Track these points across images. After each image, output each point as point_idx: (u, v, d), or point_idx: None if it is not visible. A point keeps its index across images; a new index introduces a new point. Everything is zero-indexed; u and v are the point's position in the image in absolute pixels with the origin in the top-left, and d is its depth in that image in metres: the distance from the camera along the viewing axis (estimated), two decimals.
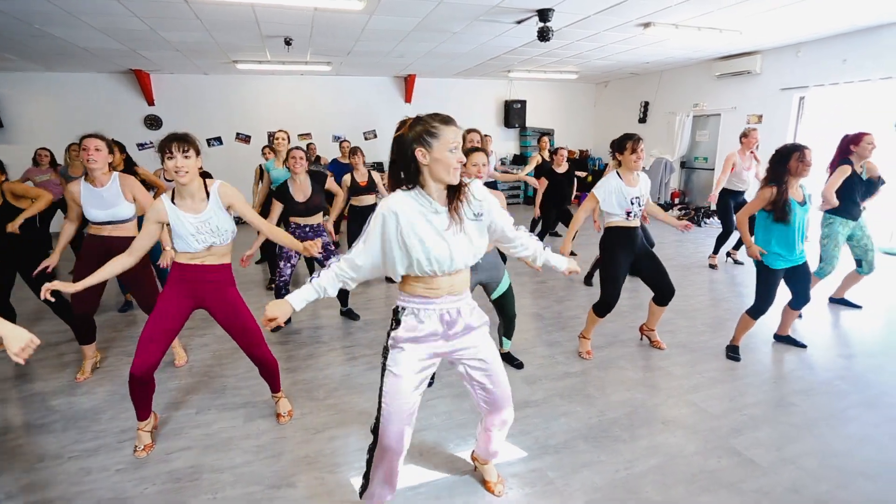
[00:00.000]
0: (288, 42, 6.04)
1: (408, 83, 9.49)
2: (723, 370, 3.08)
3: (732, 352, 3.28)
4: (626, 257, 3.08)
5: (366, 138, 9.61)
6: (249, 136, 8.96)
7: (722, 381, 2.95)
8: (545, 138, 6.60)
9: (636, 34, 6.01)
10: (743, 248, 5.41)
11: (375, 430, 1.68)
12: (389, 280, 5.30)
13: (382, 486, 1.77)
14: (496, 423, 1.86)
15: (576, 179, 6.00)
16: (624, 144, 2.96)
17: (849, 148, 3.73)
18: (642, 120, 9.82)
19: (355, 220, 4.54)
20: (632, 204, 2.98)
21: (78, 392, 2.93)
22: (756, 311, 3.13)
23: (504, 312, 3.00)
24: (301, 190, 3.54)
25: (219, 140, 8.83)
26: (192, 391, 2.91)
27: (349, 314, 4.13)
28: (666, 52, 7.26)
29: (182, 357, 3.32)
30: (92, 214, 2.85)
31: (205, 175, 4.48)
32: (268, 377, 2.56)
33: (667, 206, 9.08)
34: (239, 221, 3.12)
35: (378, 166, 9.28)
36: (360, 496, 1.83)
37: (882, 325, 3.82)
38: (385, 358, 1.65)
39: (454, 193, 1.54)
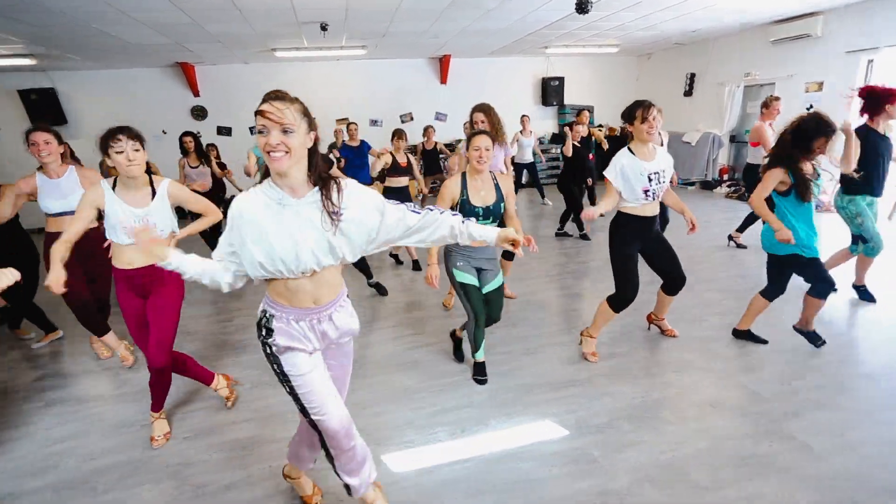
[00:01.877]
0: (324, 27, 6.09)
1: (443, 64, 9.39)
2: (776, 352, 2.96)
3: (749, 337, 3.08)
4: (635, 248, 2.77)
5: (402, 121, 9.63)
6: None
7: (774, 363, 2.84)
8: (584, 113, 6.41)
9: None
10: (748, 231, 5.10)
11: (315, 428, 1.58)
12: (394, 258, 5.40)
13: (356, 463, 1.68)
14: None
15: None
16: (633, 113, 2.59)
17: (881, 106, 3.26)
18: (688, 93, 9.34)
19: (393, 200, 4.69)
20: (650, 181, 2.60)
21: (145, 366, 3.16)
22: (774, 293, 2.95)
23: (491, 310, 2.75)
24: None
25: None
26: (248, 367, 3.08)
27: (377, 287, 4.30)
28: (716, 17, 6.82)
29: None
30: (48, 206, 2.87)
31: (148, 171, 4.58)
32: (157, 390, 2.39)
33: (715, 184, 8.67)
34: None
35: (414, 149, 9.31)
36: (350, 494, 1.72)
37: None
38: (278, 367, 1.52)
39: (324, 186, 1.40)
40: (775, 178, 2.68)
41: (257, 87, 8.85)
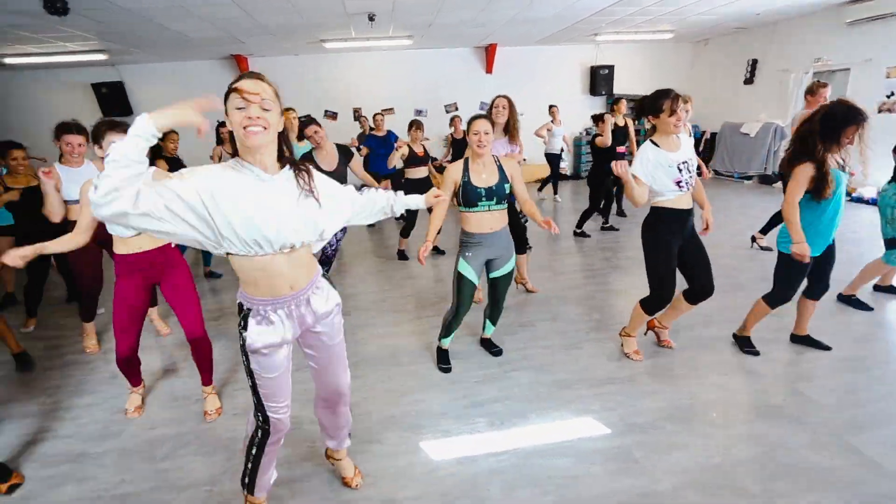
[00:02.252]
0: (371, 18, 6.15)
1: (489, 53, 9.28)
2: (840, 359, 2.76)
3: (747, 345, 2.88)
4: (673, 245, 2.57)
5: (447, 111, 9.62)
6: (336, 113, 9.36)
7: (838, 370, 2.65)
8: (622, 101, 6.12)
9: None
10: (771, 233, 4.68)
11: (265, 423, 1.59)
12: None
13: (269, 471, 1.75)
14: (320, 406, 1.85)
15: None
16: (659, 104, 2.39)
17: None
18: (748, 80, 8.79)
19: (411, 191, 4.79)
20: (679, 171, 2.46)
21: None
22: (778, 300, 2.71)
23: (496, 295, 2.76)
24: (327, 160, 3.61)
25: (308, 117, 9.35)
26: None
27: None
28: None
29: (165, 329, 3.59)
30: (68, 193, 2.95)
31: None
32: (201, 361, 2.54)
33: (775, 178, 8.14)
34: None
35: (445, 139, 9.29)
36: (251, 491, 1.74)
37: None
38: (247, 361, 1.51)
39: (295, 166, 1.42)
40: (807, 175, 2.39)
41: (305, 77, 9.11)
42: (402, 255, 5.20)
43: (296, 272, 1.45)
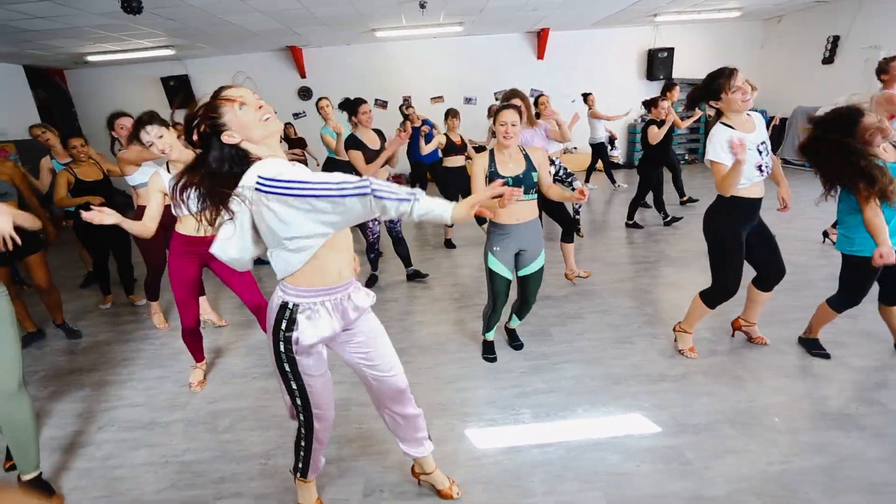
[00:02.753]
0: (422, 5, 6.14)
1: (540, 38, 9.04)
2: None
3: (815, 347, 2.68)
4: (742, 236, 2.46)
5: (496, 98, 9.49)
6: (387, 102, 9.47)
7: None
8: (676, 87, 5.74)
9: None
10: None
11: (309, 424, 1.60)
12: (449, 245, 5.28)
13: (320, 459, 1.78)
14: (386, 415, 1.76)
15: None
16: (718, 85, 2.25)
17: None
18: (828, 60, 8.05)
19: (449, 179, 4.92)
20: (760, 154, 2.31)
21: (254, 325, 3.52)
22: (844, 304, 2.50)
23: (525, 293, 2.69)
24: (371, 140, 3.71)
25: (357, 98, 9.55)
26: None
27: (416, 275, 4.23)
28: None
29: (220, 321, 3.68)
30: (135, 178, 3.33)
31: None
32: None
33: None
34: None
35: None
36: (304, 476, 1.77)
37: None
38: (291, 364, 1.45)
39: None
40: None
41: (357, 66, 9.26)
42: (450, 244, 5.21)
43: (343, 260, 1.45)
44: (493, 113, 2.50)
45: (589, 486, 1.89)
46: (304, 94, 9.42)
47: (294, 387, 1.50)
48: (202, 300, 3.62)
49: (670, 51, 9.17)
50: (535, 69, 9.38)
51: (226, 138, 1.30)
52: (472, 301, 3.74)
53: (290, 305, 1.41)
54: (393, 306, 3.73)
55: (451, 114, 4.95)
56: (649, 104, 5.16)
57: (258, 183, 1.24)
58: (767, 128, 5.20)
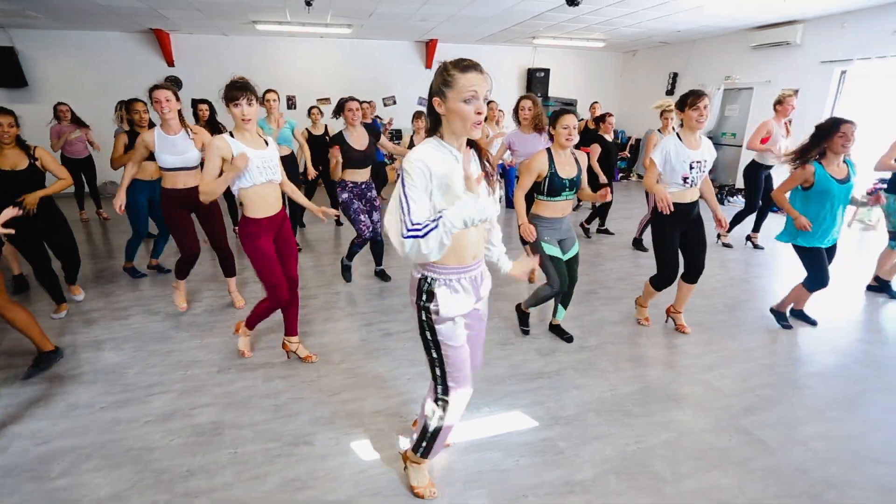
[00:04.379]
0: (308, 2, 5.89)
1: (429, 48, 9.24)
2: (737, 350, 3.06)
3: (781, 319, 3.35)
4: (675, 232, 2.99)
5: (385, 104, 9.47)
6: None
7: (736, 360, 2.94)
8: (597, 104, 6.38)
9: None
10: (762, 230, 5.25)
11: (445, 395, 1.65)
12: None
13: (446, 437, 1.77)
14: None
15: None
16: (685, 101, 2.75)
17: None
18: (670, 91, 9.46)
19: None
20: (690, 169, 2.78)
21: (105, 347, 3.05)
22: (814, 285, 3.14)
23: (573, 272, 3.01)
24: (358, 140, 3.69)
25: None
26: (212, 350, 3.01)
27: (382, 275, 4.26)
28: (701, 19, 6.91)
29: (240, 300, 3.70)
30: (165, 161, 3.16)
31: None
32: (295, 306, 2.83)
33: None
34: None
35: (397, 133, 9.17)
36: (427, 455, 1.79)
37: None
38: (432, 334, 1.57)
39: (478, 146, 1.52)
40: (796, 179, 2.97)
41: (237, 59, 8.56)
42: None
43: (479, 242, 1.59)
44: (554, 117, 2.74)
45: (473, 485, 1.95)
46: (172, 84, 8.43)
47: (434, 356, 1.61)
48: (230, 281, 3.68)
49: (547, 71, 10.01)
50: (423, 78, 9.57)
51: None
52: (355, 310, 3.66)
53: (428, 279, 1.53)
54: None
55: (417, 116, 5.07)
56: (597, 120, 5.58)
57: None
58: (625, 148, 5.87)
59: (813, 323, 3.37)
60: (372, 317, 3.53)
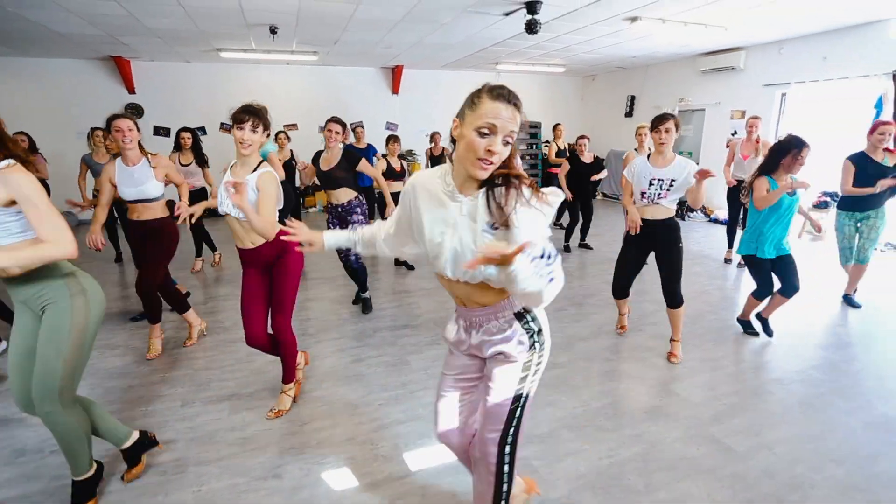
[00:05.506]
0: (273, 31, 5.94)
1: (395, 74, 9.41)
2: (703, 360, 3.15)
3: (747, 327, 3.50)
4: (633, 249, 3.14)
5: (352, 128, 9.50)
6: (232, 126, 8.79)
7: (702, 370, 3.02)
8: (560, 126, 6.61)
9: (623, 28, 6.04)
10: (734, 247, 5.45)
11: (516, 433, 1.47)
12: (402, 264, 5.38)
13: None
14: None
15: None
16: (653, 123, 2.94)
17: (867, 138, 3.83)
18: (629, 114, 9.90)
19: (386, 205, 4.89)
20: (650, 185, 2.91)
21: None
22: (760, 294, 3.34)
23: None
24: (328, 160, 3.70)
25: (203, 130, 8.67)
26: (176, 384, 2.88)
27: (364, 304, 4.04)
28: (652, 46, 7.31)
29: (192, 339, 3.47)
30: (124, 192, 3.02)
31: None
32: (284, 357, 2.56)
33: None
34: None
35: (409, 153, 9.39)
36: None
37: (860, 319, 3.93)
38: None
39: (488, 185, 1.21)
40: (762, 189, 3.15)
41: (200, 87, 8.49)
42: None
43: (464, 292, 1.36)
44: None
45: None
46: (134, 112, 8.26)
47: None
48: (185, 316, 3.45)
49: None
50: (390, 102, 9.71)
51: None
52: (325, 336, 3.60)
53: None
54: (240, 346, 3.39)
55: (392, 139, 5.28)
56: (570, 144, 5.91)
57: None
58: (600, 170, 6.07)
59: (769, 334, 3.47)
60: (343, 342, 3.47)
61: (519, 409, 1.42)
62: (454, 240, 1.24)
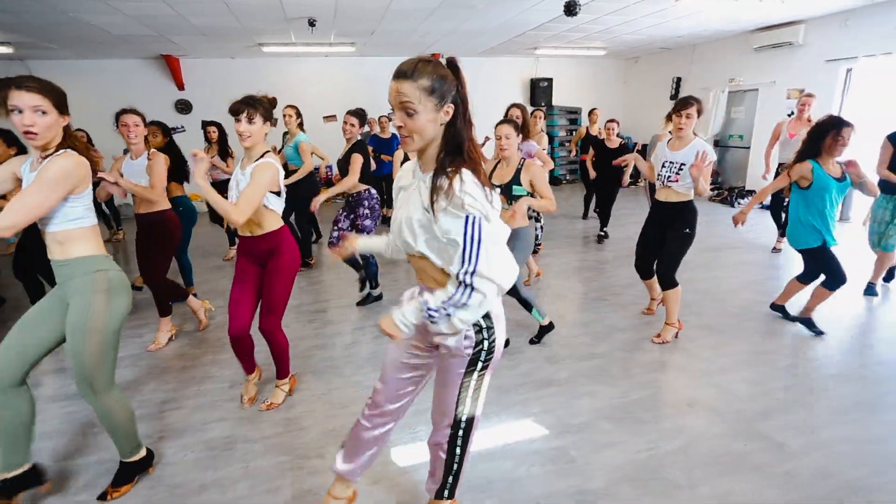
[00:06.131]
0: (312, 23, 6.04)
1: None
2: (751, 353, 3.01)
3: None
4: (650, 226, 3.19)
5: (390, 119, 9.58)
6: (277, 119, 9.04)
7: (750, 364, 2.89)
8: (597, 111, 6.46)
9: (668, 6, 5.75)
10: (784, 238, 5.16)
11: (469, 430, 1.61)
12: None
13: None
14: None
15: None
16: (675, 108, 2.91)
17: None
18: (674, 97, 9.45)
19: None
20: (662, 167, 2.97)
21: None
22: (834, 284, 3.09)
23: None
24: (344, 151, 3.86)
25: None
26: (224, 366, 3.04)
27: (368, 297, 4.03)
28: (700, 24, 6.92)
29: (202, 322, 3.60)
30: None
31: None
32: (275, 356, 2.55)
33: None
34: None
35: None
36: (452, 496, 1.69)
37: None
38: None
39: (438, 168, 1.24)
40: (796, 172, 3.03)
41: (244, 82, 8.73)
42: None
43: (416, 265, 1.41)
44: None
45: (483, 495, 1.94)
46: (183, 107, 8.66)
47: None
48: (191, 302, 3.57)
49: (550, 81, 10.07)
50: None
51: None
52: (366, 323, 3.68)
53: None
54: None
55: None
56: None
57: None
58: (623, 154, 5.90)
59: (817, 333, 3.22)
60: (361, 328, 3.53)
61: (468, 399, 1.52)
62: (402, 211, 1.34)
